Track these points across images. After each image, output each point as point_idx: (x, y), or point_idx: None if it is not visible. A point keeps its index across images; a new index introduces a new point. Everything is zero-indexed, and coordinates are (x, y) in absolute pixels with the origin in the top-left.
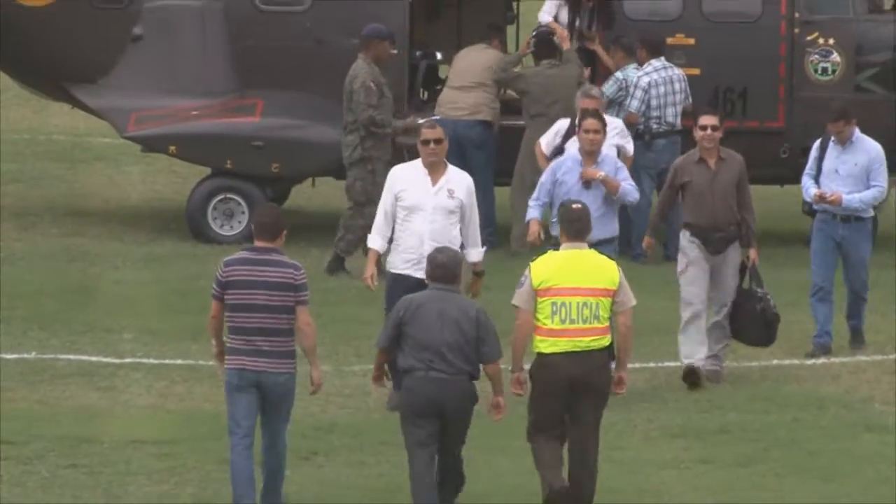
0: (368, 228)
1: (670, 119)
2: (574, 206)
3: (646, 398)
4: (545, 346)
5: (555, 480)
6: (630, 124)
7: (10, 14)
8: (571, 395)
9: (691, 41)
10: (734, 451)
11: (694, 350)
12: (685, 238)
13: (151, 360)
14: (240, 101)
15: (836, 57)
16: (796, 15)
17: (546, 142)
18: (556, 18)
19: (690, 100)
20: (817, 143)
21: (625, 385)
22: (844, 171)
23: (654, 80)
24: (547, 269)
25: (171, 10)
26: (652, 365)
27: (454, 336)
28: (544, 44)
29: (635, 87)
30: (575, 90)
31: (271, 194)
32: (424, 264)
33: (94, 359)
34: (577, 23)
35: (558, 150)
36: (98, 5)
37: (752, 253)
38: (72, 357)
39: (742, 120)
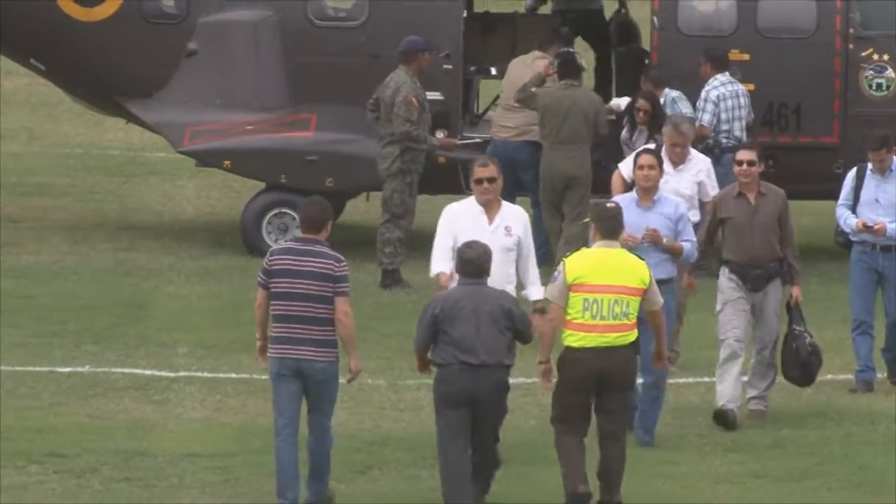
0: (404, 241)
1: (738, 133)
2: (608, 204)
3: (699, 412)
4: (574, 339)
5: (577, 484)
6: (701, 138)
7: (64, 29)
8: (598, 389)
9: (746, 56)
10: (787, 465)
11: (728, 392)
12: (724, 275)
13: (205, 374)
14: (294, 116)
15: (890, 73)
16: (850, 31)
17: (627, 169)
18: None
19: (752, 115)
20: (852, 172)
21: (663, 358)
22: (885, 201)
23: (723, 93)
24: (581, 265)
25: (226, 24)
26: (706, 379)
27: (490, 332)
28: (566, 64)
29: (705, 100)
30: (591, 113)
31: None
32: None
33: (147, 372)
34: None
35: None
36: (152, 20)
37: (795, 291)
38: (126, 371)
39: (796, 135)
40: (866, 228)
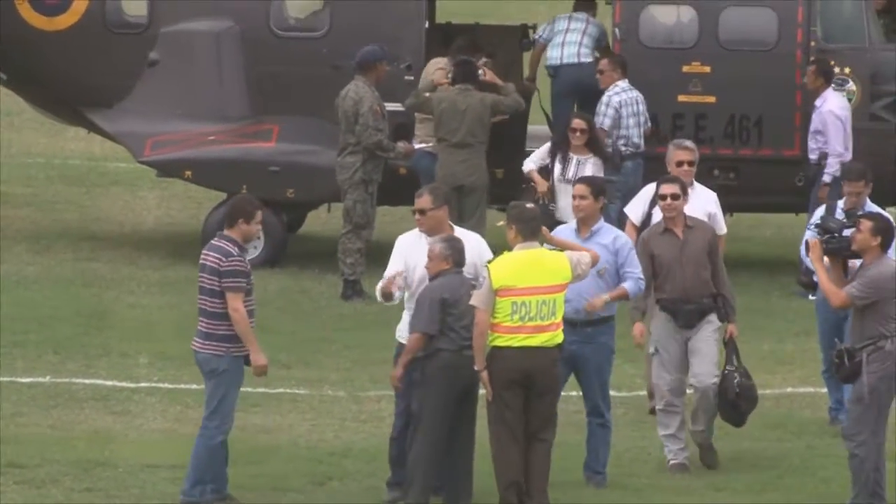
0: (365, 252)
1: (636, 140)
2: (528, 205)
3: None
4: (502, 340)
5: (509, 497)
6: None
7: (25, 38)
8: (524, 389)
9: (707, 69)
10: (747, 478)
11: (674, 447)
12: (656, 314)
13: (166, 385)
14: (256, 127)
15: (851, 86)
16: (812, 43)
17: (634, 211)
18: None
19: (649, 123)
20: (820, 210)
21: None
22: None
23: (624, 99)
24: (506, 269)
25: (188, 35)
26: None
27: (469, 315)
28: (460, 69)
29: (607, 105)
30: (486, 116)
31: (286, 220)
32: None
33: (109, 383)
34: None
35: (647, 218)
36: (114, 30)
37: (731, 327)
38: (87, 381)
39: (757, 148)
40: None
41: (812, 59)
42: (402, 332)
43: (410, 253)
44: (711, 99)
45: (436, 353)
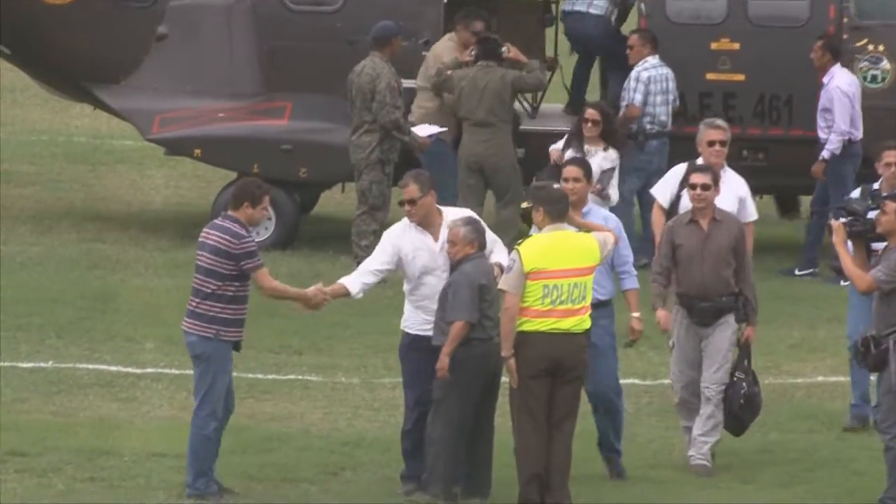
0: (380, 234)
1: (663, 118)
2: (554, 185)
3: None
4: (530, 325)
5: (530, 493)
6: (630, 118)
7: (30, 12)
8: (551, 377)
9: (736, 46)
10: (776, 471)
11: (691, 443)
12: (675, 309)
13: (173, 371)
14: (268, 104)
15: (886, 64)
16: (845, 20)
17: (662, 193)
18: None
19: (678, 102)
20: (857, 191)
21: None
22: None
23: (653, 76)
24: (537, 252)
25: (197, 8)
26: None
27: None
28: (482, 45)
29: (637, 80)
30: (506, 94)
31: (299, 200)
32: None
33: (113, 368)
34: None
35: (676, 200)
36: (122, 3)
37: (748, 331)
38: (91, 367)
39: (788, 128)
40: None
41: (819, 35)
42: (409, 323)
43: (403, 244)
44: (740, 77)
45: (468, 341)
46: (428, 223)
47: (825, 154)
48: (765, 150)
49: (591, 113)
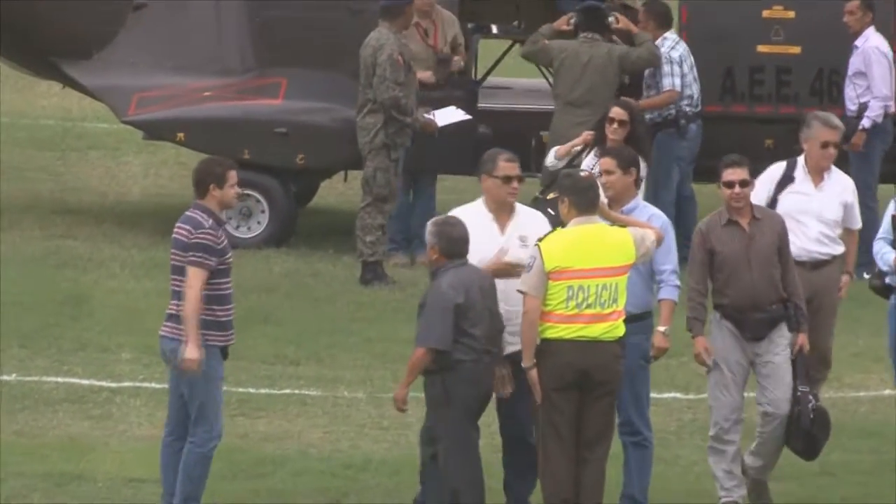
0: (386, 229)
1: (697, 97)
2: (581, 173)
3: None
4: (553, 332)
5: None
6: (668, 104)
7: None
8: (579, 391)
9: (791, 14)
10: (838, 494)
11: (727, 482)
12: (715, 323)
13: (153, 385)
14: (260, 81)
15: None
16: None
17: (758, 197)
18: None
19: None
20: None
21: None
22: None
23: (682, 53)
24: (561, 248)
25: None
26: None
27: (493, 309)
28: (588, 15)
29: (669, 61)
30: (610, 72)
31: (295, 190)
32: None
33: (85, 382)
34: None
35: (773, 204)
36: None
37: (802, 339)
38: (60, 380)
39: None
40: None
41: None
42: None
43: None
44: (796, 49)
45: (455, 365)
46: (503, 210)
47: (865, 123)
48: None
49: (617, 112)
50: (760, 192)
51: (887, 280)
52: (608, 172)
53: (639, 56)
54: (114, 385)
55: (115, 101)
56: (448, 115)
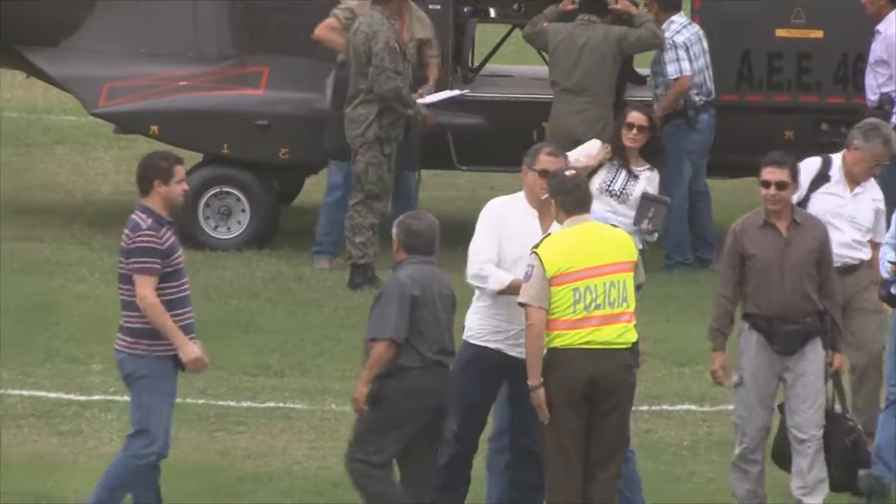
0: (379, 229)
1: (710, 85)
2: (567, 173)
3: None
4: (561, 340)
5: None
6: (680, 93)
7: None
8: (588, 405)
9: None
10: None
11: (743, 494)
12: (744, 334)
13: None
14: (239, 70)
15: None
16: None
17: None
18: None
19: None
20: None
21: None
22: None
23: (689, 38)
24: (560, 252)
25: None
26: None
27: (448, 319)
28: None
29: (675, 46)
30: (608, 55)
31: (278, 187)
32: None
33: (53, 395)
34: None
35: (803, 204)
36: None
37: (837, 359)
38: (25, 393)
39: None
40: None
41: None
42: (473, 332)
43: (506, 223)
44: (818, 33)
45: (397, 371)
46: (546, 209)
47: (894, 120)
48: (848, 124)
49: (636, 117)
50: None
51: (892, 290)
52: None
53: (639, 37)
54: (83, 398)
55: (83, 92)
56: (437, 95)
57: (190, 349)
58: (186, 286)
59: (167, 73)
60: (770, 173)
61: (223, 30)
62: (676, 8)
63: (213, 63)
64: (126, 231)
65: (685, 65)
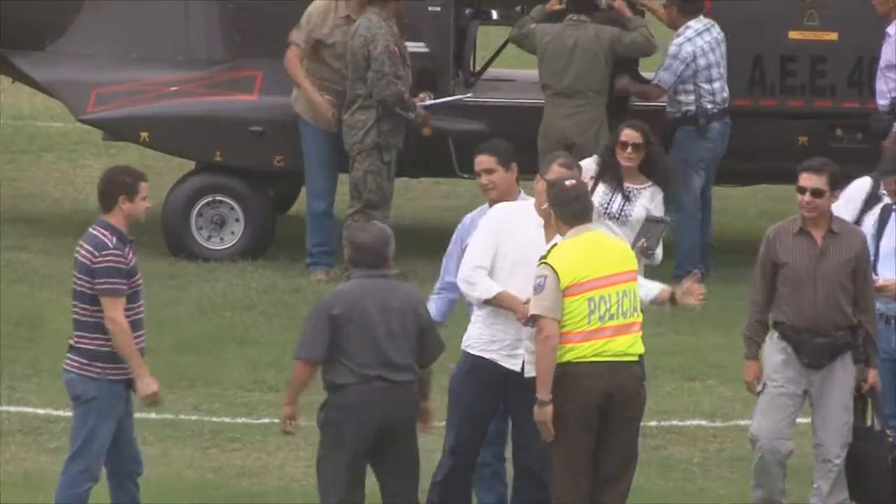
0: None
1: (725, 94)
2: (567, 182)
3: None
4: (574, 353)
5: None
6: (655, 98)
7: None
8: (600, 421)
9: None
10: None
11: (763, 497)
12: (771, 343)
13: None
14: (233, 74)
15: None
16: None
17: (842, 212)
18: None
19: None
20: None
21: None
22: None
23: (701, 47)
24: (573, 262)
25: None
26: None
27: (400, 332)
28: None
29: (674, 57)
30: (601, 57)
31: (273, 196)
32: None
33: (41, 412)
34: None
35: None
36: None
37: (872, 375)
38: (12, 409)
39: None
40: (877, 290)
41: None
42: (471, 342)
43: (510, 229)
44: (832, 36)
45: (334, 389)
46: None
47: None
48: (864, 129)
49: (630, 135)
50: (845, 210)
51: None
52: (488, 171)
53: (633, 40)
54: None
55: (71, 98)
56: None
57: (149, 382)
58: (143, 308)
59: (157, 78)
60: (806, 179)
61: (216, 33)
62: (697, 11)
63: (205, 68)
64: (87, 247)
65: (666, 76)
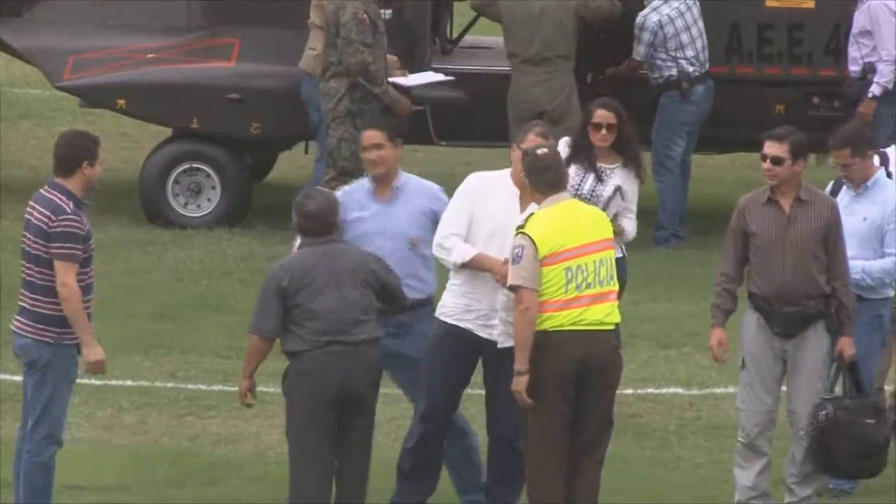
0: None
1: (702, 57)
2: (540, 151)
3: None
4: (552, 322)
5: None
6: (633, 71)
7: None
8: (577, 388)
9: None
10: None
11: (745, 484)
12: (746, 314)
13: (94, 382)
14: (210, 41)
15: None
16: None
17: None
18: None
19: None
20: (830, 186)
21: None
22: (849, 227)
23: (668, 15)
24: (550, 231)
25: None
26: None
27: (355, 295)
28: None
29: (642, 28)
30: (568, 23)
31: (251, 163)
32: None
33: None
34: None
35: None
36: None
37: (846, 344)
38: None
39: None
40: None
41: None
42: (445, 310)
43: (485, 198)
44: (809, 4)
45: (290, 356)
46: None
47: (875, 90)
48: (841, 97)
49: (603, 115)
50: None
51: None
52: (377, 147)
53: (598, 6)
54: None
55: (47, 65)
56: (421, 77)
57: (96, 350)
58: (93, 273)
59: (135, 45)
60: (768, 147)
61: (193, 0)
62: None
63: (183, 35)
64: (43, 210)
65: (640, 48)
